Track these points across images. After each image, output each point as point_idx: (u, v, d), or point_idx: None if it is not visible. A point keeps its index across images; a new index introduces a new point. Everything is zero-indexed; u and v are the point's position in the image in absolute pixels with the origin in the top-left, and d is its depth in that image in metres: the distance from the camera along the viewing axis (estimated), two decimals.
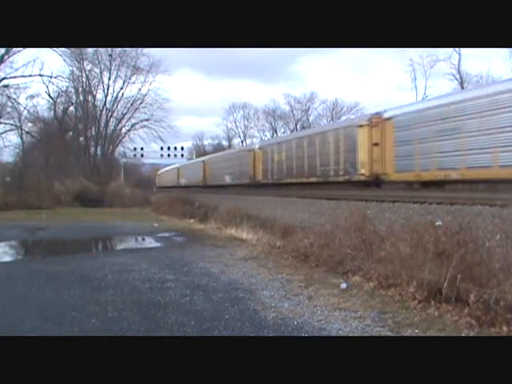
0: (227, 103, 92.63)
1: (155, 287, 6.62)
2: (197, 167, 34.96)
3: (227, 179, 27.72)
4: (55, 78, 36.71)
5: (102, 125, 43.50)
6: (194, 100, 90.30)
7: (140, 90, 44.62)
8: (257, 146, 24.87)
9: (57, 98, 39.75)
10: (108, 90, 43.63)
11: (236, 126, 61.58)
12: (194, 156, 48.80)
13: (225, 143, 61.00)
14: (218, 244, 11.33)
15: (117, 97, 44.16)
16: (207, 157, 35.91)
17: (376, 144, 14.02)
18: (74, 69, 40.62)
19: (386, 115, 13.87)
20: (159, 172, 51.21)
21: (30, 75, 34.06)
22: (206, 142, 64.03)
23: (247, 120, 61.06)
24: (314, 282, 6.74)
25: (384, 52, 56.36)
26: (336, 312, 5.21)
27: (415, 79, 38.22)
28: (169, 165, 47.52)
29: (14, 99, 34.62)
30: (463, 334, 4.27)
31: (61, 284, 6.90)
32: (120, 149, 47.02)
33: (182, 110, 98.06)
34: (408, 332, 4.46)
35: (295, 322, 4.87)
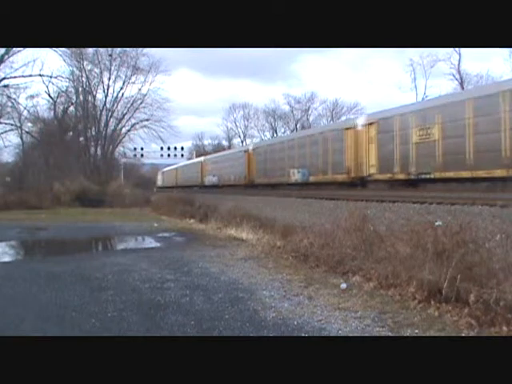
0: (227, 103, 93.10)
1: (155, 287, 6.62)
2: (235, 160, 25.94)
3: (295, 176, 18.56)
4: (55, 78, 36.68)
5: (102, 125, 43.45)
6: (193, 100, 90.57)
7: (140, 90, 44.63)
8: (362, 120, 15.05)
9: (57, 97, 39.71)
10: (108, 90, 43.64)
11: (236, 125, 61.75)
12: (194, 156, 48.59)
13: (225, 143, 61.06)
14: (218, 244, 11.32)
15: (117, 97, 44.17)
16: (254, 144, 27.08)
17: None
18: (74, 69, 40.60)
19: None
20: (165, 169, 47.49)
21: (30, 75, 34.06)
22: (206, 142, 64.11)
23: (247, 120, 61.23)
24: (313, 282, 6.73)
25: (384, 52, 56.47)
26: (336, 312, 5.21)
27: (415, 79, 38.30)
28: (169, 165, 47.09)
29: (14, 99, 34.69)
30: (463, 334, 4.27)
31: (61, 284, 6.90)
32: (120, 149, 47.04)
33: (182, 109, 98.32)
34: (408, 332, 4.45)
35: (295, 322, 4.87)
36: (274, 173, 20.34)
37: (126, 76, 43.70)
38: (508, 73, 31.73)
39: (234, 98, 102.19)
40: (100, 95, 43.64)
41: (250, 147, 25.05)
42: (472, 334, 4.26)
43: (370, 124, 14.87)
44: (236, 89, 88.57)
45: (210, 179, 30.21)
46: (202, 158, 34.55)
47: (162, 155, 48.53)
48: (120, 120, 44.71)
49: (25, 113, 36.60)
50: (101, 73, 42.55)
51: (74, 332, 4.58)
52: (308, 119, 56.76)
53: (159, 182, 49.92)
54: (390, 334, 4.44)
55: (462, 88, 32.06)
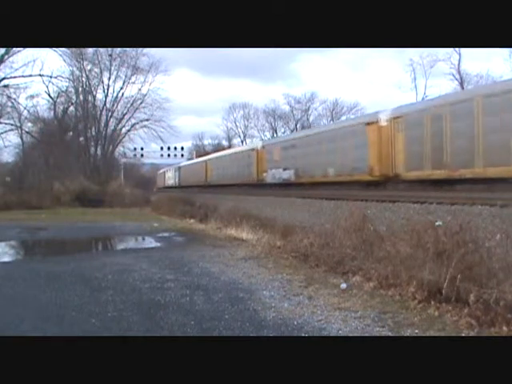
0: (226, 103, 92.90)
1: (155, 287, 6.62)
2: (337, 141, 15.94)
3: None
4: (55, 78, 36.60)
5: (102, 125, 43.44)
6: (193, 100, 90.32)
7: (140, 90, 44.60)
8: None
9: (57, 97, 39.66)
10: (108, 90, 43.61)
11: (236, 125, 61.60)
12: (194, 156, 48.43)
13: (225, 143, 60.98)
14: (218, 244, 11.33)
15: (117, 97, 44.14)
16: (394, 110, 13.82)
17: None
18: (74, 69, 40.56)
19: None
20: (182, 164, 41.25)
21: (30, 75, 34.01)
22: (206, 142, 64.03)
23: (247, 120, 61.05)
24: (313, 281, 6.73)
25: (384, 52, 56.46)
26: (336, 312, 5.21)
27: (415, 79, 38.15)
28: (170, 165, 46.58)
29: (14, 99, 34.67)
30: (463, 334, 4.27)
31: (61, 284, 6.90)
32: (120, 149, 47.00)
33: (182, 109, 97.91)
34: (408, 332, 4.45)
35: (295, 322, 4.87)
36: (464, 157, 11.01)
37: (126, 76, 43.74)
38: (508, 73, 31.69)
39: (234, 97, 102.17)
40: (100, 95, 43.70)
41: (382, 116, 13.95)
42: (472, 333, 4.26)
43: None
44: (236, 89, 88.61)
45: (275, 174, 19.96)
46: (256, 145, 24.00)
47: (162, 155, 48.50)
48: (120, 120, 44.73)
49: (25, 113, 36.64)
50: (101, 73, 42.59)
51: (73, 332, 4.58)
52: (308, 119, 56.73)
53: (170, 181, 43.73)
54: (389, 333, 4.44)
55: (462, 88, 32.00)
